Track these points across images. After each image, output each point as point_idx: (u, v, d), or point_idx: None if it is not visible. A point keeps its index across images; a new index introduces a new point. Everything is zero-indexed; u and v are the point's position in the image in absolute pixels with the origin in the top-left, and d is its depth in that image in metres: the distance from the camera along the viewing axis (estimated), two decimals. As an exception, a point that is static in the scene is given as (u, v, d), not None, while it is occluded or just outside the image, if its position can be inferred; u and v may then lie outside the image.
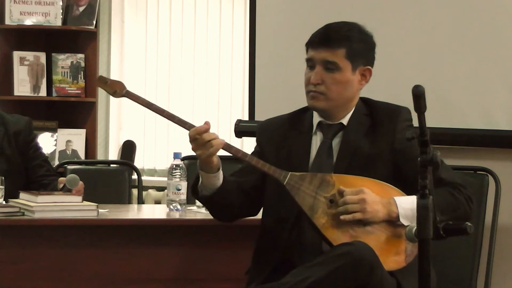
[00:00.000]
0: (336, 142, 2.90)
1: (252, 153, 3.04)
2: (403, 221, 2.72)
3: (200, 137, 2.81)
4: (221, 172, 2.90)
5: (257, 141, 3.07)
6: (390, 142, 2.85)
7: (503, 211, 3.60)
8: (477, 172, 3.59)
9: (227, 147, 2.86)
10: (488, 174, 3.56)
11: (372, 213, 2.72)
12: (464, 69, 3.93)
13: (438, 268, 2.82)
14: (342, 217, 2.72)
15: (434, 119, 3.51)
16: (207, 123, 2.85)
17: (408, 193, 2.77)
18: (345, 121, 2.92)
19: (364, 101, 2.96)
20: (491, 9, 3.88)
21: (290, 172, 2.78)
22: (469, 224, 2.21)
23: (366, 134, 2.88)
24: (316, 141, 2.93)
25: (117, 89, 2.96)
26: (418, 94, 2.16)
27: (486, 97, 3.89)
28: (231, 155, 2.89)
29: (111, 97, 5.94)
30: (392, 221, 2.74)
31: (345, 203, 2.73)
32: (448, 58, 3.97)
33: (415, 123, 2.19)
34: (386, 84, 3.99)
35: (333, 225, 2.74)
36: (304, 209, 2.76)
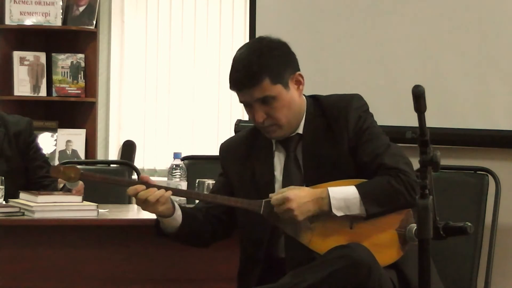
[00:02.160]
0: (299, 152, 2.87)
1: (219, 176, 3.02)
2: (336, 212, 2.70)
3: (147, 200, 2.76)
4: (178, 211, 2.86)
5: (221, 163, 3.03)
6: (347, 137, 2.80)
7: (503, 211, 3.60)
8: (477, 172, 3.59)
9: (185, 194, 2.90)
10: (488, 174, 3.56)
11: (303, 215, 2.70)
12: (464, 69, 3.93)
13: (438, 268, 2.83)
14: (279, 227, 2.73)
15: (434, 119, 3.51)
16: (143, 178, 2.82)
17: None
18: (300, 130, 2.87)
19: (315, 99, 2.90)
20: (491, 9, 3.88)
21: (263, 200, 2.76)
22: (469, 224, 2.21)
23: (325, 138, 2.83)
24: (279, 157, 2.89)
25: (72, 174, 2.87)
26: (418, 94, 2.16)
27: (486, 97, 3.89)
28: (213, 156, 2.88)
29: (111, 97, 6.02)
30: (354, 217, 2.72)
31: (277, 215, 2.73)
32: (448, 58, 3.97)
33: (415, 123, 2.18)
34: (386, 84, 3.99)
35: (319, 238, 2.74)
36: (288, 233, 2.76)
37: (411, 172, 2.73)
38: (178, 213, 2.87)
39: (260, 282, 2.82)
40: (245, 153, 2.94)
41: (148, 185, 2.79)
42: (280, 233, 2.82)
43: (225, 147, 3.04)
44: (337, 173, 2.78)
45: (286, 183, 2.82)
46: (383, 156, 2.76)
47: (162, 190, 2.78)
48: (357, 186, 2.72)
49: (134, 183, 2.83)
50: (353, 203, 2.71)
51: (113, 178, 2.89)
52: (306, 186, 2.78)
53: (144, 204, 2.78)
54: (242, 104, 2.90)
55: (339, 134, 2.81)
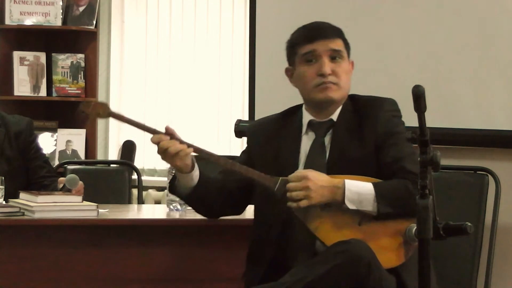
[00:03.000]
0: (327, 140, 2.89)
1: (242, 153, 3.04)
2: (348, 204, 2.71)
3: (167, 151, 2.80)
4: (196, 171, 2.90)
5: (247, 143, 3.07)
6: (374, 136, 2.84)
7: (503, 211, 3.61)
8: (477, 172, 3.59)
9: (206, 154, 2.84)
10: (488, 174, 3.57)
11: (316, 198, 2.70)
12: (464, 69, 3.93)
13: (438, 268, 2.83)
14: (288, 203, 2.72)
15: (434, 119, 3.51)
16: (168, 129, 2.85)
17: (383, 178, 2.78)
18: (334, 117, 2.91)
19: (351, 96, 2.95)
20: (491, 9, 3.88)
21: (280, 178, 2.77)
22: (469, 224, 2.21)
23: (354, 133, 2.86)
24: (307, 141, 2.92)
25: (100, 111, 2.94)
26: (418, 94, 2.16)
27: (486, 97, 3.89)
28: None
29: (111, 97, 6.02)
30: (364, 213, 2.73)
31: (290, 190, 2.72)
32: (448, 58, 3.97)
33: (415, 123, 2.18)
34: (386, 84, 3.99)
35: (327, 227, 2.74)
36: (297, 214, 2.76)
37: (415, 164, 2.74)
38: (196, 173, 2.90)
39: (271, 265, 2.83)
40: (273, 134, 2.96)
41: (172, 136, 2.83)
42: (294, 221, 2.80)
43: (254, 126, 3.09)
44: (359, 169, 2.79)
45: (308, 167, 2.84)
46: (405, 160, 2.77)
47: (184, 145, 2.81)
48: (374, 184, 2.74)
49: (159, 132, 2.85)
50: (367, 199, 2.72)
51: (140, 123, 2.92)
52: (328, 173, 2.79)
53: (164, 154, 2.82)
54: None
55: (367, 133, 2.84)
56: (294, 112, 2.99)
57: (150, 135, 2.91)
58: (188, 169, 2.87)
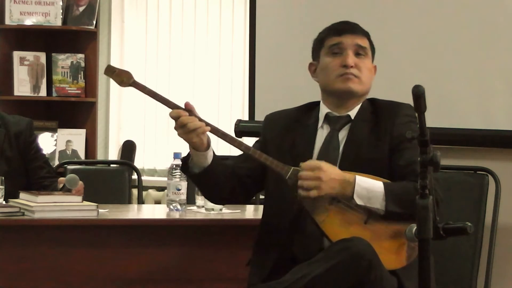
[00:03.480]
0: (342, 135, 2.91)
1: (256, 142, 3.05)
2: (357, 199, 2.71)
3: (186, 126, 2.81)
4: (210, 151, 2.90)
5: (262, 131, 3.07)
6: (389, 139, 2.86)
7: (503, 211, 3.60)
8: (477, 172, 3.59)
9: (221, 135, 2.85)
10: (488, 174, 3.56)
11: (326, 190, 2.70)
12: (464, 69, 3.93)
13: (438, 268, 2.83)
14: (298, 192, 2.72)
15: (434, 119, 3.51)
16: (188, 105, 2.86)
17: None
18: (352, 113, 2.93)
19: (370, 99, 2.99)
20: (491, 9, 3.88)
21: (292, 167, 2.78)
22: (469, 224, 2.21)
23: (370, 133, 2.88)
24: (322, 134, 2.93)
25: (124, 78, 2.97)
26: (418, 94, 2.16)
27: (486, 97, 3.89)
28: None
29: (111, 97, 6.02)
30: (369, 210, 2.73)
31: (301, 179, 2.72)
32: (448, 58, 3.97)
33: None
34: (386, 84, 3.98)
35: (334, 221, 2.74)
36: (304, 204, 2.76)
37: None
38: (210, 154, 2.90)
39: (278, 255, 2.83)
40: (289, 125, 2.98)
41: (192, 113, 2.84)
42: (304, 212, 2.80)
43: (271, 116, 3.09)
44: (371, 168, 2.80)
45: (321, 159, 2.83)
46: (417, 164, 2.77)
47: (203, 123, 2.82)
48: (384, 183, 2.75)
49: (179, 107, 2.86)
50: (375, 196, 2.72)
51: (161, 96, 2.93)
52: (340, 168, 2.79)
53: (181, 129, 2.82)
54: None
55: (383, 135, 2.86)
56: (312, 107, 3.01)
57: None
58: (203, 148, 2.86)
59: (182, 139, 2.86)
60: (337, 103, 2.94)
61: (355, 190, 2.72)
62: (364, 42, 2.94)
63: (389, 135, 2.86)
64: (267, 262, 2.85)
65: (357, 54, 2.91)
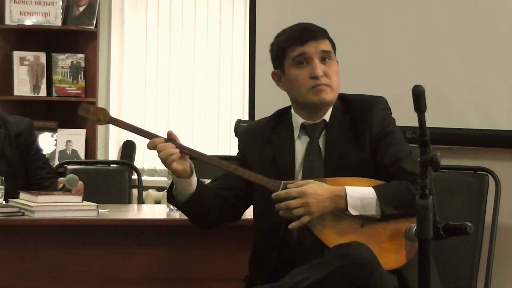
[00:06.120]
0: (321, 142, 2.88)
1: (235, 160, 3.01)
2: (351, 210, 2.70)
3: (159, 154, 2.81)
4: (194, 178, 2.86)
5: (239, 147, 3.04)
6: (369, 136, 2.83)
7: (503, 211, 3.60)
8: (477, 172, 3.59)
9: (208, 159, 2.82)
10: (488, 174, 3.56)
11: (318, 212, 2.69)
12: (464, 69, 3.93)
13: (438, 268, 2.82)
14: (290, 226, 2.70)
15: (434, 119, 3.51)
16: (169, 134, 2.85)
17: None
18: (327, 117, 2.89)
19: (340, 96, 2.93)
20: (491, 9, 3.88)
21: (282, 181, 2.76)
22: (469, 224, 2.21)
23: (349, 133, 2.85)
24: (301, 144, 2.90)
25: (101, 116, 2.88)
26: (418, 94, 2.16)
27: (486, 97, 3.89)
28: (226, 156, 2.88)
29: (111, 97, 6.02)
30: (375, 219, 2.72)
31: (288, 207, 2.70)
32: (448, 58, 3.97)
33: (415, 123, 2.18)
34: (386, 84, 3.99)
35: (331, 230, 2.73)
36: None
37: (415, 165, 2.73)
38: (194, 180, 2.87)
39: (274, 267, 2.81)
40: (266, 138, 2.94)
41: (169, 140, 2.82)
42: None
43: (246, 130, 3.06)
44: (356, 169, 2.79)
45: (307, 171, 2.83)
46: (404, 161, 2.77)
47: (176, 150, 2.79)
48: (375, 188, 2.73)
49: (159, 137, 2.86)
50: (370, 203, 2.71)
51: (140, 128, 2.91)
52: (326, 175, 2.78)
53: (160, 156, 2.81)
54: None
55: (362, 133, 2.84)
56: (283, 115, 2.96)
57: (152, 132, 2.91)
58: (186, 175, 2.84)
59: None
60: (310, 113, 2.90)
61: (348, 202, 2.70)
62: (326, 46, 2.87)
63: (368, 133, 2.83)
64: (263, 275, 2.84)
65: (322, 60, 2.85)
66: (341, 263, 2.56)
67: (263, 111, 4.40)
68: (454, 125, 3.93)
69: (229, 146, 5.78)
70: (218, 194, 2.94)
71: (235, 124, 4.59)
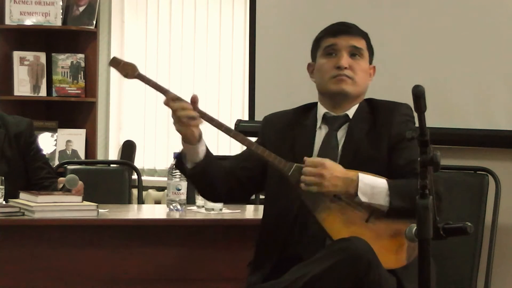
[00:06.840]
0: (340, 135, 2.91)
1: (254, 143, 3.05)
2: (361, 196, 2.72)
3: (180, 114, 2.84)
4: (202, 146, 2.89)
5: (260, 132, 3.07)
6: (387, 138, 2.86)
7: (503, 211, 3.60)
8: (477, 172, 3.59)
9: (225, 129, 2.88)
10: (488, 174, 3.57)
11: (329, 187, 2.71)
12: (464, 69, 3.93)
13: (438, 268, 2.83)
14: (300, 185, 2.72)
15: (434, 119, 3.51)
16: (193, 98, 2.88)
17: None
18: (350, 113, 2.94)
19: (368, 99, 2.99)
20: (491, 9, 3.88)
21: (295, 164, 2.78)
22: (469, 224, 2.21)
23: (368, 132, 2.89)
24: (321, 134, 2.93)
25: (129, 71, 2.99)
26: (418, 94, 2.16)
27: (486, 97, 3.89)
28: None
29: (111, 97, 6.02)
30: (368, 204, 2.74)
31: (304, 174, 2.73)
32: (448, 58, 3.97)
33: (415, 123, 2.19)
34: (386, 84, 3.99)
35: (335, 219, 2.74)
36: (306, 202, 2.76)
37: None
38: (202, 148, 2.89)
39: (280, 254, 2.82)
40: (288, 126, 2.98)
41: (194, 105, 2.86)
42: (306, 211, 2.79)
43: (269, 117, 3.10)
44: (370, 166, 2.80)
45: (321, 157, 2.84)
46: (417, 163, 2.77)
47: (195, 112, 2.85)
48: (387, 180, 2.76)
49: (181, 99, 2.91)
50: (379, 192, 2.73)
51: (165, 88, 2.95)
52: None
53: (173, 115, 2.89)
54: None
55: (381, 134, 2.87)
56: (310, 108, 3.02)
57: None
58: (194, 140, 2.86)
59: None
60: (332, 103, 2.95)
61: (358, 187, 2.72)
62: (360, 43, 2.94)
63: (388, 134, 2.87)
64: (267, 262, 2.85)
65: (352, 55, 2.92)
66: (339, 258, 2.56)
67: (263, 111, 4.39)
68: (454, 125, 3.93)
69: (229, 146, 5.77)
70: (230, 173, 2.97)
71: (235, 124, 4.59)
